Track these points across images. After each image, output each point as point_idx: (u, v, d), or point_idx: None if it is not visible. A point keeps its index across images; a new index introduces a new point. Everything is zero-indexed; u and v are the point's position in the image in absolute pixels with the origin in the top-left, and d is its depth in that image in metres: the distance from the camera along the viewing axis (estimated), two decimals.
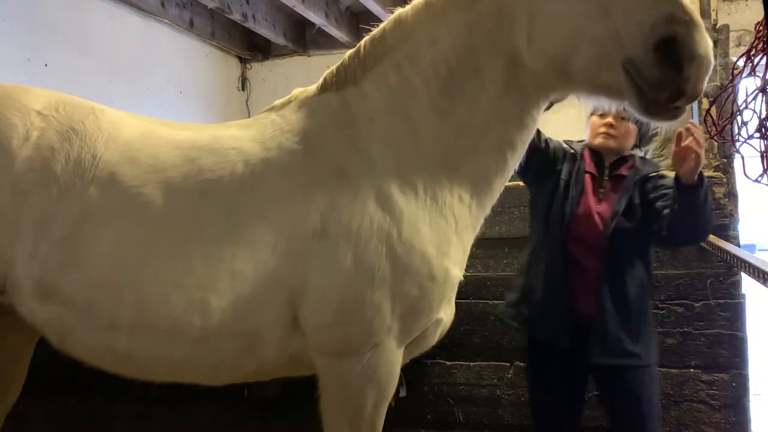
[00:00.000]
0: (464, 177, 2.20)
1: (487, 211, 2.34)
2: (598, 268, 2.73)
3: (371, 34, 2.27)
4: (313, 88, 2.33)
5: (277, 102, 2.37)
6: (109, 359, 2.23)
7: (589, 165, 2.87)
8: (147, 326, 2.10)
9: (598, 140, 2.84)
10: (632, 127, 2.82)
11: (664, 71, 1.75)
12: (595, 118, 2.88)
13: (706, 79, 1.76)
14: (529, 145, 2.63)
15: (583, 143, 2.95)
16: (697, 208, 2.50)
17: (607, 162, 2.86)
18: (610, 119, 2.80)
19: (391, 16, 2.25)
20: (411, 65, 2.18)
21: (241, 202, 2.12)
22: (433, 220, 2.14)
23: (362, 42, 2.28)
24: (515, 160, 2.28)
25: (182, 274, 2.07)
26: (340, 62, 2.30)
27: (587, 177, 2.84)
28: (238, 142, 2.22)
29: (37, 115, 2.18)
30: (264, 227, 2.10)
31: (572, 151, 2.92)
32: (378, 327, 2.09)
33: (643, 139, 2.90)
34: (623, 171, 2.83)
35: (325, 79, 2.31)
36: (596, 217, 2.76)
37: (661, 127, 2.76)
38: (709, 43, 1.75)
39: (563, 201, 2.80)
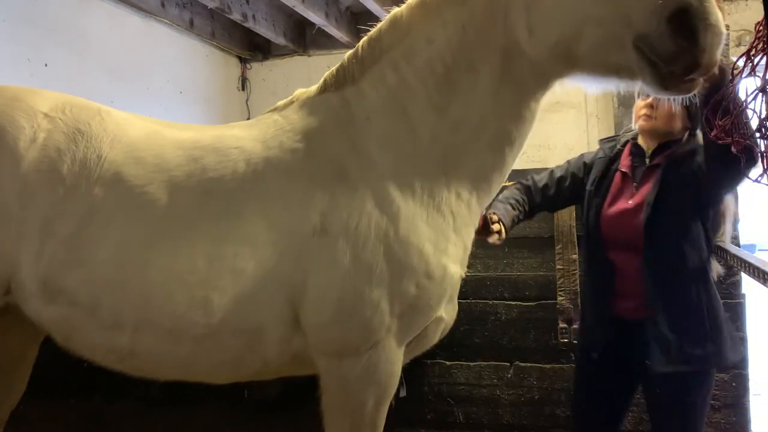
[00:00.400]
0: (462, 174, 2.20)
1: (486, 207, 2.34)
2: (637, 267, 2.60)
3: (368, 34, 2.28)
4: (314, 88, 2.34)
5: (280, 103, 2.38)
6: (113, 357, 2.24)
7: (624, 162, 2.77)
8: (150, 324, 2.10)
9: (640, 123, 2.73)
10: (676, 108, 2.58)
11: (678, 43, 1.70)
12: (638, 102, 2.75)
13: (721, 48, 1.73)
14: (544, 195, 2.83)
15: (627, 136, 2.85)
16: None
17: (649, 151, 2.72)
18: (650, 100, 2.66)
19: (387, 16, 2.25)
20: (408, 64, 2.18)
21: (243, 201, 2.13)
22: (431, 217, 2.14)
23: (360, 42, 2.29)
24: (514, 155, 2.26)
25: (185, 271, 2.08)
26: (340, 63, 2.31)
27: (617, 176, 2.75)
28: (240, 141, 2.23)
29: (44, 117, 2.19)
30: (265, 225, 2.10)
31: (600, 156, 2.84)
32: (377, 325, 2.09)
33: (694, 120, 2.65)
34: (659, 159, 2.68)
35: (325, 80, 2.32)
36: (625, 214, 2.66)
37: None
38: (720, 13, 1.72)
39: (589, 209, 2.77)
